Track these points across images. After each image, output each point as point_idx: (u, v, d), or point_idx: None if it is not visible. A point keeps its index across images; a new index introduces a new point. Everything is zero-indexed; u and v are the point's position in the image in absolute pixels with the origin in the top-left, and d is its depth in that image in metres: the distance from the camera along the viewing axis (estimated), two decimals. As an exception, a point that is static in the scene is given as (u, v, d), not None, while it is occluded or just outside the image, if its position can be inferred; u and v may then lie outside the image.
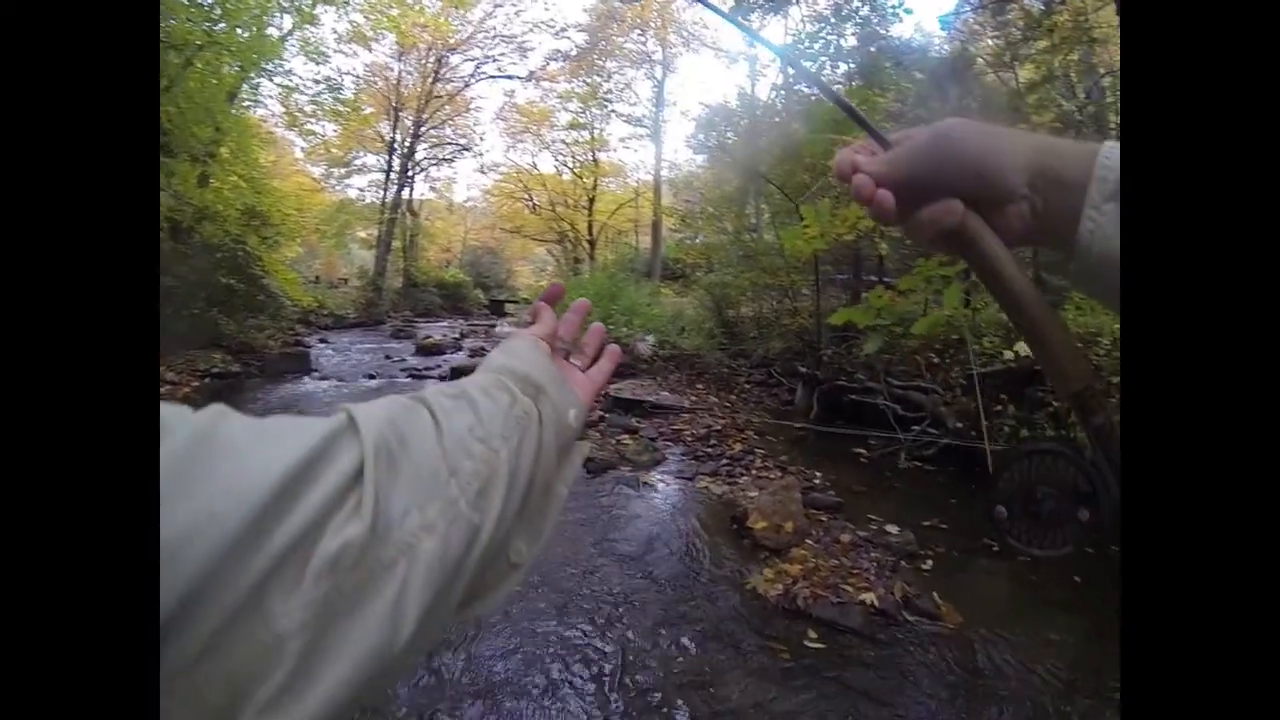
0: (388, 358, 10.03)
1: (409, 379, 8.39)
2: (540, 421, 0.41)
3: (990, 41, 6.67)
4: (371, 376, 8.39)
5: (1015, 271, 0.40)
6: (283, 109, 15.48)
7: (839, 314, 4.32)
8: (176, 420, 0.25)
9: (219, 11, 9.45)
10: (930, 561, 3.13)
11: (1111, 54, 6.51)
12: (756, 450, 5.08)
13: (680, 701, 2.08)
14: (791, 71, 8.75)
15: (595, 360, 0.54)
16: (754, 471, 4.56)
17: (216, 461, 0.25)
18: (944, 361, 5.23)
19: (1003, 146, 0.40)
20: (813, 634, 2.46)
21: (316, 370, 8.65)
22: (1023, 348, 3.77)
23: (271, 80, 13.08)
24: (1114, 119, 6.43)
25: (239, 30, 9.97)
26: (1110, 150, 0.38)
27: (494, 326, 16.40)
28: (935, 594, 2.73)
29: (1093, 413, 0.36)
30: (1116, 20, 3.83)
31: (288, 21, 12.52)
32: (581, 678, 2.19)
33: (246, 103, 12.29)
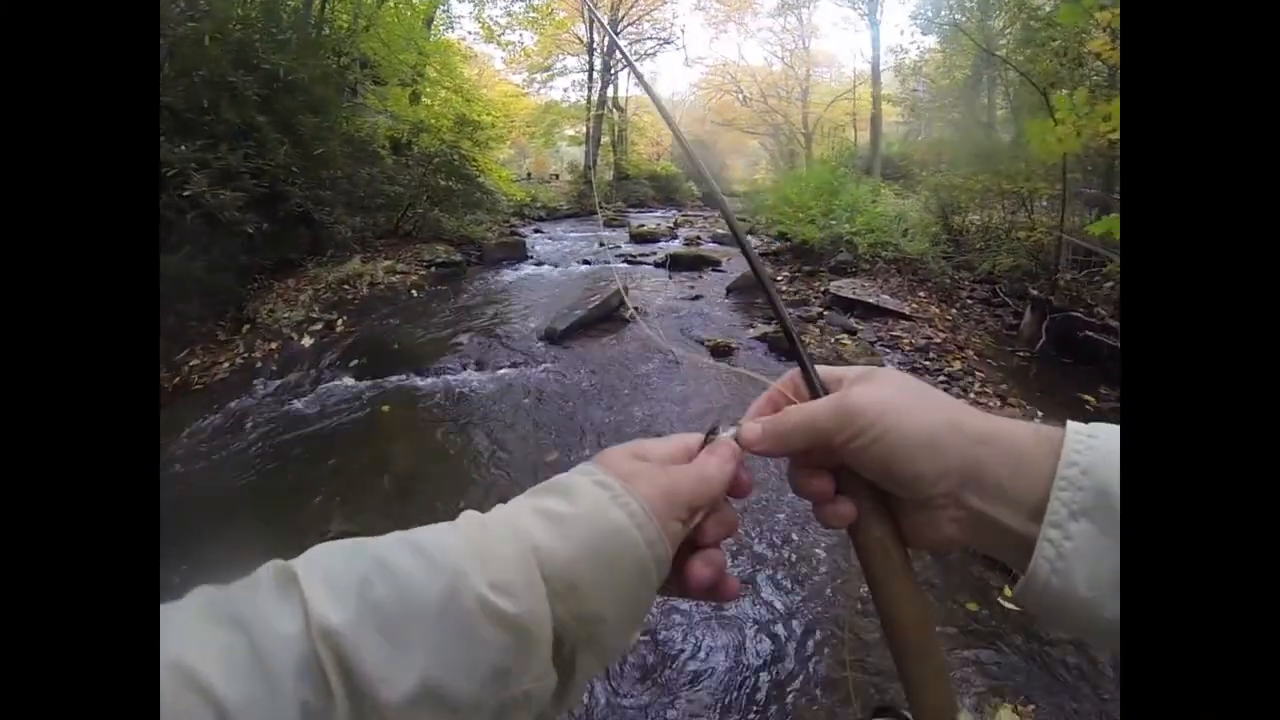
0: (601, 244, 10.30)
1: (625, 264, 8.65)
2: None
3: None
4: (586, 262, 8.69)
5: (906, 592, 0.35)
6: (478, 24, 16.18)
7: (1100, 223, 3.27)
8: None
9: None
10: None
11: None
12: (976, 373, 4.57)
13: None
14: None
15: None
16: (972, 395, 4.12)
17: None
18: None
19: (922, 440, 0.32)
20: (1008, 591, 2.06)
21: (532, 257, 9.20)
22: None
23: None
24: None
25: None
26: (1081, 445, 0.30)
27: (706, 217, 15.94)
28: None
29: None
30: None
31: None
32: (771, 577, 2.36)
33: (442, 26, 13.09)
